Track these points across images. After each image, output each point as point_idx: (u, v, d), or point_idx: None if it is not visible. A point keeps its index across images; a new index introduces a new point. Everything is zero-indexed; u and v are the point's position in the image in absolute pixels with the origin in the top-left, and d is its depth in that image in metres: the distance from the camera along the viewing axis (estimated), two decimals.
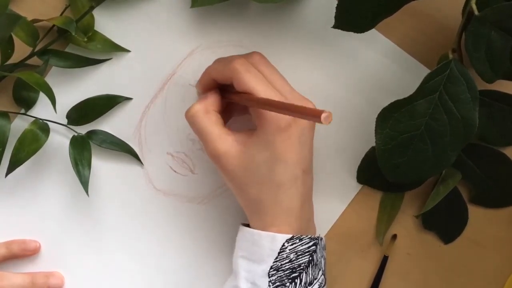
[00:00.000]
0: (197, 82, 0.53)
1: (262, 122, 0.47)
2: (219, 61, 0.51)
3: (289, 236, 0.48)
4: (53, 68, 0.55)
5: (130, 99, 0.56)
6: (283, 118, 0.46)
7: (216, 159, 0.49)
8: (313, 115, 0.39)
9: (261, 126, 0.47)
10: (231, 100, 0.51)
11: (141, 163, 0.57)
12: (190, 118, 0.50)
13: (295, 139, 0.48)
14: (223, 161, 0.48)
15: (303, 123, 0.48)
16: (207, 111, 0.49)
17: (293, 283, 0.48)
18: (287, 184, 0.48)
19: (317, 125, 0.56)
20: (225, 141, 0.48)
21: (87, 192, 0.53)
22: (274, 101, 0.45)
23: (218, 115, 0.50)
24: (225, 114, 0.51)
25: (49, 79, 0.55)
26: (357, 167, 0.57)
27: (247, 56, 0.50)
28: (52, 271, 0.57)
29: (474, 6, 0.47)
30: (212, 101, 0.50)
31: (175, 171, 0.57)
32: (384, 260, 0.57)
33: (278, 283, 0.48)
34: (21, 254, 0.56)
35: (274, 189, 0.48)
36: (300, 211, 0.49)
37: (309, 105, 0.49)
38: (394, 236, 0.57)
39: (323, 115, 0.38)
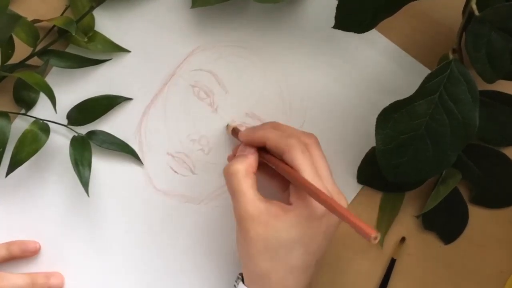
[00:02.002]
0: (244, 132, 0.52)
1: (299, 202, 0.47)
2: (277, 129, 0.51)
3: None
4: (53, 68, 0.55)
5: (130, 99, 0.56)
6: (321, 207, 0.46)
7: (242, 221, 0.48)
8: (364, 230, 0.39)
9: (297, 206, 0.47)
10: (270, 163, 0.50)
11: (142, 163, 0.57)
12: (229, 176, 0.49)
13: (322, 230, 0.48)
14: (248, 225, 0.48)
15: (335, 218, 0.48)
16: (247, 173, 0.49)
17: None
18: (300, 271, 0.48)
19: (319, 124, 0.57)
20: (257, 207, 0.48)
21: (87, 192, 0.53)
22: (320, 191, 0.45)
23: (255, 178, 0.49)
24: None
25: (49, 79, 0.55)
26: (357, 167, 0.57)
27: (305, 135, 0.50)
28: (52, 272, 0.57)
29: (474, 7, 0.47)
30: (253, 163, 0.50)
31: (175, 171, 0.57)
32: (392, 262, 0.57)
33: None
34: (21, 255, 0.56)
35: (287, 271, 0.48)
36: None
37: (343, 202, 0.49)
38: (403, 239, 0.57)
39: (373, 235, 0.38)
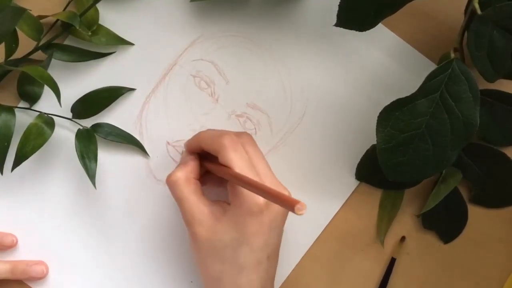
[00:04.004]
0: (186, 141, 0.54)
1: (236, 201, 0.48)
2: (209, 132, 0.52)
3: None
4: (57, 62, 0.56)
5: (133, 89, 0.57)
6: (256, 203, 0.47)
7: (189, 226, 0.50)
8: (288, 203, 0.39)
9: (234, 205, 0.48)
10: (210, 169, 0.52)
11: (147, 154, 0.57)
12: (171, 184, 0.50)
13: (266, 225, 0.48)
14: (194, 229, 0.49)
15: (276, 210, 0.48)
16: (187, 178, 0.50)
17: None
18: (250, 269, 0.48)
19: (319, 120, 0.57)
20: (201, 211, 0.49)
21: (94, 185, 0.54)
22: (251, 179, 0.45)
23: (198, 182, 0.51)
24: (202, 179, 0.52)
25: (53, 73, 0.55)
26: (356, 164, 0.57)
27: (237, 134, 0.51)
28: (35, 260, 0.57)
29: (476, 6, 0.47)
30: (192, 169, 0.51)
31: (176, 162, 0.57)
32: (392, 262, 0.57)
33: None
34: None
35: (236, 271, 0.48)
36: None
37: (285, 193, 0.49)
38: (403, 238, 0.57)
39: (297, 206, 0.38)
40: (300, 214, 0.37)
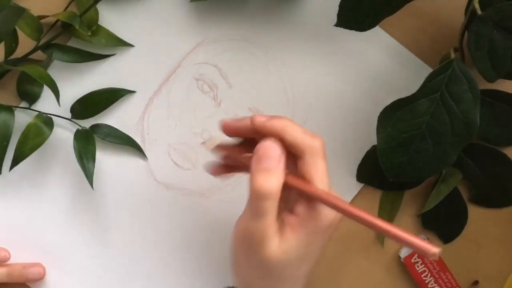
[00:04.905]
0: (261, 120, 0.43)
1: (309, 215, 0.41)
2: (298, 125, 0.43)
3: None
4: (57, 62, 0.56)
5: (133, 92, 0.57)
6: (328, 217, 0.41)
7: (260, 244, 0.42)
8: (424, 250, 0.37)
9: (306, 219, 0.41)
10: (289, 183, 0.42)
11: (145, 157, 0.57)
12: (260, 196, 0.40)
13: (326, 240, 0.43)
14: (265, 246, 0.41)
15: (337, 224, 0.43)
16: (278, 195, 0.41)
17: None
18: (301, 281, 0.44)
19: (320, 121, 0.57)
20: (275, 227, 0.41)
21: (92, 185, 0.54)
22: (351, 208, 0.40)
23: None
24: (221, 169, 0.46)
25: (53, 73, 0.55)
26: (357, 165, 0.57)
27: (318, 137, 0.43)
28: (32, 263, 0.56)
29: (477, 6, 0.47)
30: (283, 177, 0.42)
31: (176, 164, 0.57)
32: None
33: None
34: None
35: (291, 285, 0.43)
36: None
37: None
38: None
39: (436, 251, 0.36)
40: (435, 259, 0.36)
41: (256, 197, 0.40)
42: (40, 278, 0.56)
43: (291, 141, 0.42)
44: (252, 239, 0.42)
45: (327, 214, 0.42)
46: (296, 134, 0.42)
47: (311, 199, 0.42)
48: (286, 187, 0.42)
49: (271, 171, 0.41)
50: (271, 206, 0.40)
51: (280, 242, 0.41)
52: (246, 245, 0.43)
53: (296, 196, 0.43)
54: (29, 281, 0.56)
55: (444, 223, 0.57)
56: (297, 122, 0.44)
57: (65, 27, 0.55)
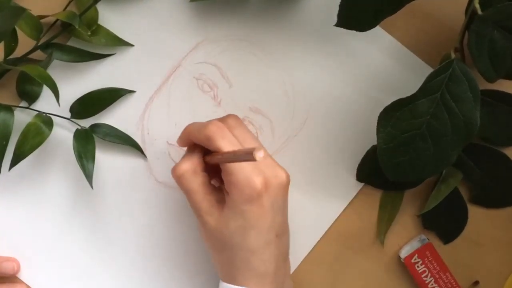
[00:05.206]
0: (178, 138, 0.53)
1: (233, 190, 0.48)
2: (195, 125, 0.51)
3: None
4: (57, 62, 0.56)
5: (133, 92, 0.57)
6: (254, 189, 0.47)
7: (199, 216, 0.50)
8: (246, 154, 0.39)
9: (233, 194, 0.48)
10: (207, 161, 0.50)
11: (145, 156, 0.57)
12: (177, 178, 0.50)
13: (267, 207, 0.48)
14: (204, 219, 0.49)
15: (275, 190, 0.48)
16: (195, 171, 0.49)
17: None
18: (260, 250, 0.48)
19: (321, 121, 0.57)
20: (208, 201, 0.49)
21: (91, 185, 0.53)
22: (225, 152, 0.46)
23: (205, 174, 0.50)
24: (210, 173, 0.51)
25: (52, 73, 0.55)
26: (357, 165, 0.57)
27: (222, 120, 0.51)
28: (7, 257, 0.57)
29: (477, 6, 0.47)
30: (198, 160, 0.50)
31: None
32: None
33: None
34: None
35: (248, 254, 0.48)
36: (274, 275, 0.49)
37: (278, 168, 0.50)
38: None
39: (254, 153, 0.38)
40: (260, 159, 0.37)
41: (176, 179, 0.50)
42: (14, 273, 0.56)
43: (196, 140, 0.50)
44: (196, 216, 0.50)
45: (247, 184, 0.47)
46: (193, 134, 0.50)
47: (229, 174, 0.48)
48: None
49: (182, 160, 0.50)
50: (190, 184, 0.49)
51: (219, 216, 0.49)
52: (198, 225, 0.51)
53: (224, 177, 0.49)
54: (3, 275, 0.56)
55: (444, 223, 0.57)
56: (198, 122, 0.51)
57: (65, 27, 0.55)
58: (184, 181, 0.49)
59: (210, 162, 0.50)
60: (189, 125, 0.52)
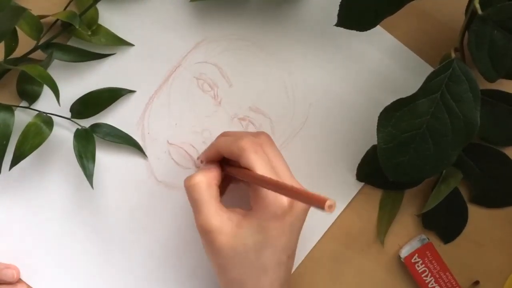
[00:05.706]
0: (202, 153, 0.53)
1: (259, 205, 0.47)
2: (227, 136, 0.52)
3: None
4: (57, 61, 0.56)
5: (133, 91, 0.57)
6: (280, 206, 0.47)
7: (205, 233, 0.48)
8: (318, 201, 0.38)
9: (257, 209, 0.48)
10: (231, 174, 0.51)
11: (145, 156, 0.57)
12: (190, 187, 0.49)
13: (288, 227, 0.48)
14: (212, 237, 0.48)
15: (298, 211, 0.48)
16: (209, 185, 0.49)
17: None
18: (272, 270, 0.48)
19: (320, 121, 0.57)
20: (220, 217, 0.48)
21: (91, 185, 0.53)
22: (276, 180, 0.45)
23: (218, 190, 0.50)
24: (221, 186, 0.51)
25: (53, 72, 0.55)
26: (357, 165, 0.57)
27: (255, 135, 0.51)
28: (8, 264, 0.56)
29: (477, 5, 0.47)
30: (215, 175, 0.50)
31: (177, 164, 0.57)
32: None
33: None
34: None
35: (259, 273, 0.48)
36: None
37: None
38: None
39: (327, 203, 0.37)
40: (330, 212, 0.37)
41: (188, 188, 0.49)
42: (14, 281, 0.56)
43: (225, 153, 0.50)
44: (203, 232, 0.48)
45: (274, 200, 0.47)
46: (224, 147, 0.50)
47: (257, 189, 0.47)
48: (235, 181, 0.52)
49: (199, 172, 0.50)
50: (202, 195, 0.48)
51: (233, 233, 0.47)
52: (204, 241, 0.49)
53: (251, 192, 0.49)
54: (2, 282, 0.56)
55: (444, 223, 0.57)
56: (232, 132, 0.53)
57: (65, 27, 0.55)
58: (196, 190, 0.48)
59: (240, 177, 0.49)
60: (220, 138, 0.52)
